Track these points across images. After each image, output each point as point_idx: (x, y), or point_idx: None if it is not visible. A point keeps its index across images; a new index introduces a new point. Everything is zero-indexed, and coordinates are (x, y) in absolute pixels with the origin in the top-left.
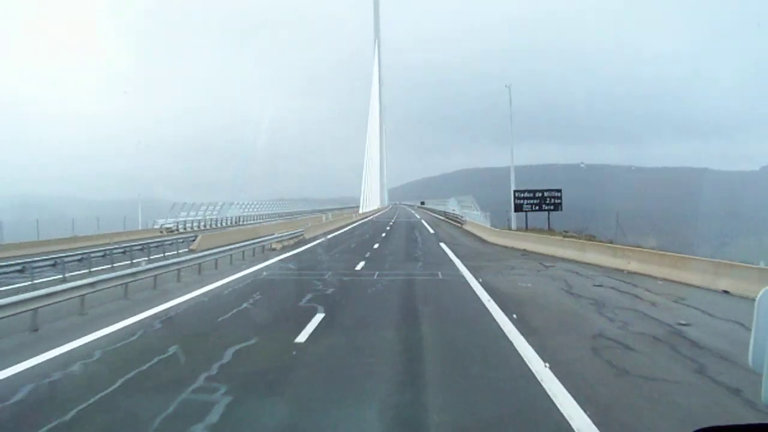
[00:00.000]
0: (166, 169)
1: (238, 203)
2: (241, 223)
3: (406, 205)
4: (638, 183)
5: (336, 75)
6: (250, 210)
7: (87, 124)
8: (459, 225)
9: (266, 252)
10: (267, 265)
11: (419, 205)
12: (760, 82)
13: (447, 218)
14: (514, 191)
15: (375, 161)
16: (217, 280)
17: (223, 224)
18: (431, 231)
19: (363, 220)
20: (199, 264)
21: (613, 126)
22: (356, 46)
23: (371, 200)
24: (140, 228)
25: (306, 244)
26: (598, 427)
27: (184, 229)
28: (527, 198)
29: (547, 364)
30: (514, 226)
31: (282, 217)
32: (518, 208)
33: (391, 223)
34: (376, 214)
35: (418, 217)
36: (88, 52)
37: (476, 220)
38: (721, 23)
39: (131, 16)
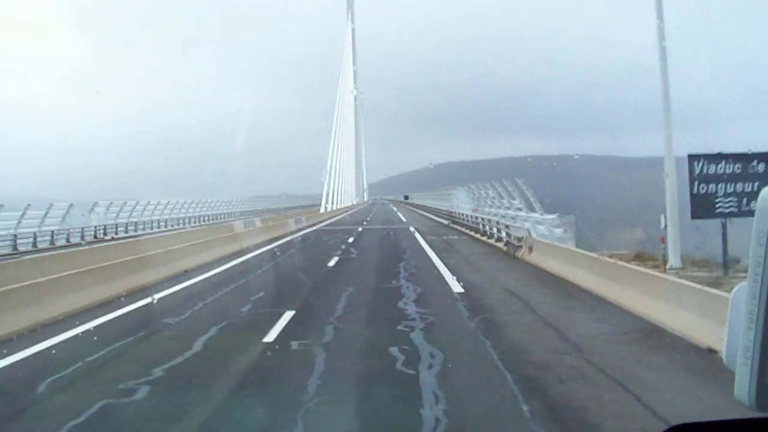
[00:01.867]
0: (145, 169)
1: (115, 203)
2: (106, 237)
3: (387, 200)
4: (620, 174)
5: (314, 67)
6: (158, 213)
7: (76, 123)
8: (504, 248)
9: None
10: None
11: (403, 200)
12: (737, 71)
13: (454, 224)
14: (690, 156)
15: (350, 152)
16: None
17: (68, 241)
18: (454, 287)
19: (309, 229)
20: None
21: (590, 117)
22: (330, 38)
23: (346, 195)
24: None
25: None
26: None
27: None
28: (729, 178)
29: None
30: (673, 256)
31: (189, 222)
32: (706, 208)
33: (350, 240)
34: (343, 215)
35: (405, 220)
36: (48, 48)
37: (547, 238)
38: (704, 16)
39: (100, 13)
